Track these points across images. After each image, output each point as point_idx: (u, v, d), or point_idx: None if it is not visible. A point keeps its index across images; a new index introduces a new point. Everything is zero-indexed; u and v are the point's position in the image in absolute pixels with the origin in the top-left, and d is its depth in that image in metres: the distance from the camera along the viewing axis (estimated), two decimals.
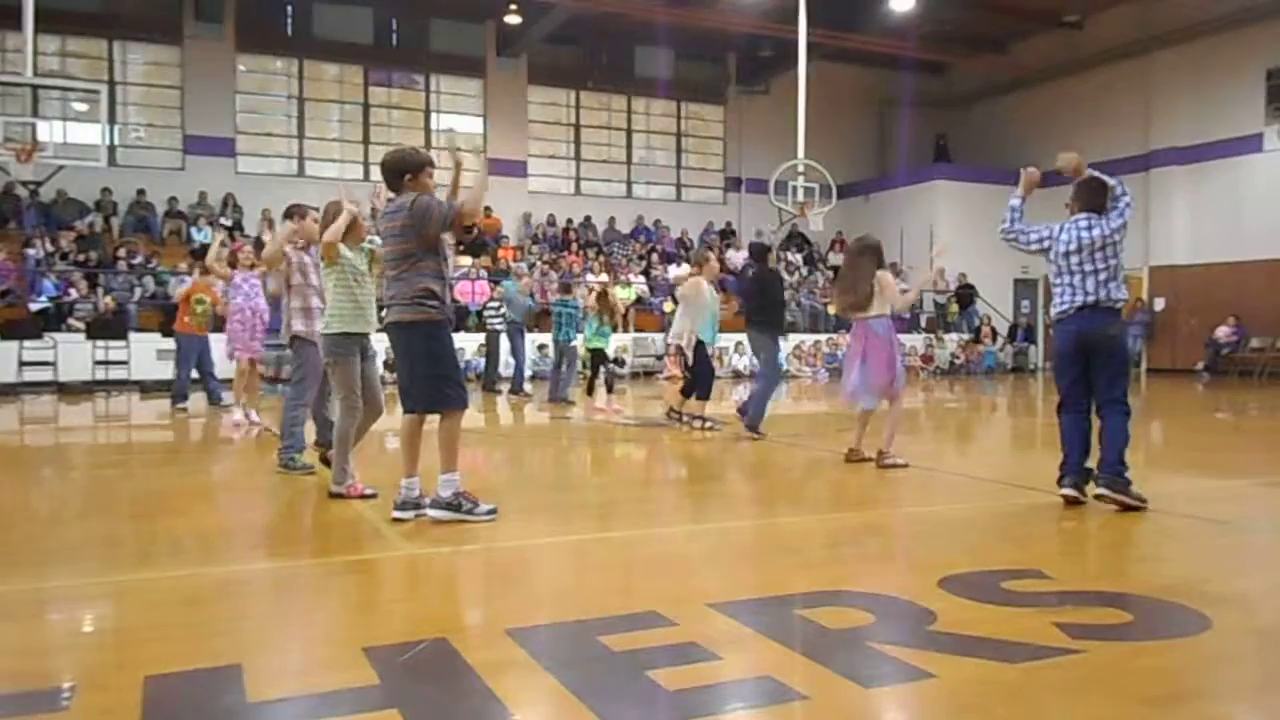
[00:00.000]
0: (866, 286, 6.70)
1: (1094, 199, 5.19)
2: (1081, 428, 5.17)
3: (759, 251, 9.10)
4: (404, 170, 4.70)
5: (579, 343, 12.69)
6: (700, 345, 9.23)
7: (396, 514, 4.67)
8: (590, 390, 12.79)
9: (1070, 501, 5.09)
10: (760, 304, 8.62)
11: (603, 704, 2.42)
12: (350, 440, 5.35)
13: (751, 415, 8.33)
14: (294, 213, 6.23)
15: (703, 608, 3.22)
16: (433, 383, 4.66)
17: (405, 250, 4.61)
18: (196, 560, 4.17)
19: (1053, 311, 5.26)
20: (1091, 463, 5.11)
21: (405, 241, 4.60)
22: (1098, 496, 4.94)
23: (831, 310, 21.08)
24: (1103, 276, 5.03)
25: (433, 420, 4.80)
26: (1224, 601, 3.43)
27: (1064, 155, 5.29)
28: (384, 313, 4.86)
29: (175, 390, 11.57)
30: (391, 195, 4.77)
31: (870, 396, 6.78)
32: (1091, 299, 5.03)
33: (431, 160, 4.85)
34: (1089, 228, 5.09)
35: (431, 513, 4.67)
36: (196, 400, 11.60)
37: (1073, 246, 5.09)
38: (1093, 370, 5.10)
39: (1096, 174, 5.26)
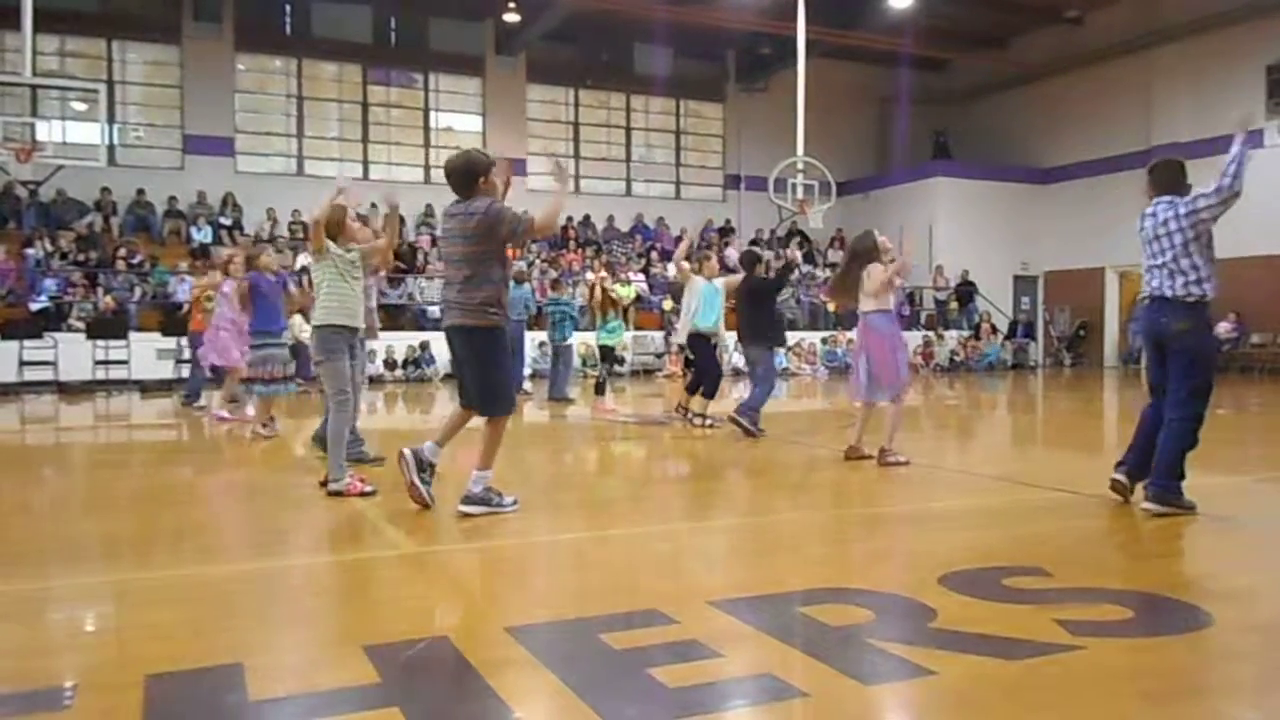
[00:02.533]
0: (853, 289, 6.77)
1: (1163, 180, 4.82)
2: (1157, 424, 4.85)
3: (749, 260, 8.92)
4: (479, 173, 4.71)
5: (579, 339, 12.68)
6: (704, 339, 9.20)
7: (404, 449, 4.80)
8: (598, 389, 12.80)
9: (1114, 485, 4.93)
10: (750, 316, 8.49)
11: (604, 702, 2.42)
12: (345, 437, 5.42)
13: (746, 416, 8.23)
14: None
15: (703, 605, 3.22)
16: (493, 388, 4.81)
17: (476, 253, 4.64)
18: (197, 559, 4.18)
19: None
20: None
21: (477, 245, 4.62)
22: (1144, 509, 4.70)
23: (831, 308, 21.11)
24: (1170, 269, 4.64)
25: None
26: (1225, 598, 3.43)
27: (1238, 114, 4.82)
28: (441, 313, 4.89)
29: (191, 388, 11.74)
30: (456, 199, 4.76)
31: (879, 390, 6.77)
32: (1158, 293, 4.71)
33: (494, 161, 4.88)
34: (1154, 214, 4.76)
35: (464, 508, 4.75)
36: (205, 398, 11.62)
37: (1148, 235, 4.76)
38: (1169, 366, 4.76)
39: (1238, 147, 4.65)
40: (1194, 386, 4.69)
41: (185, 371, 15.37)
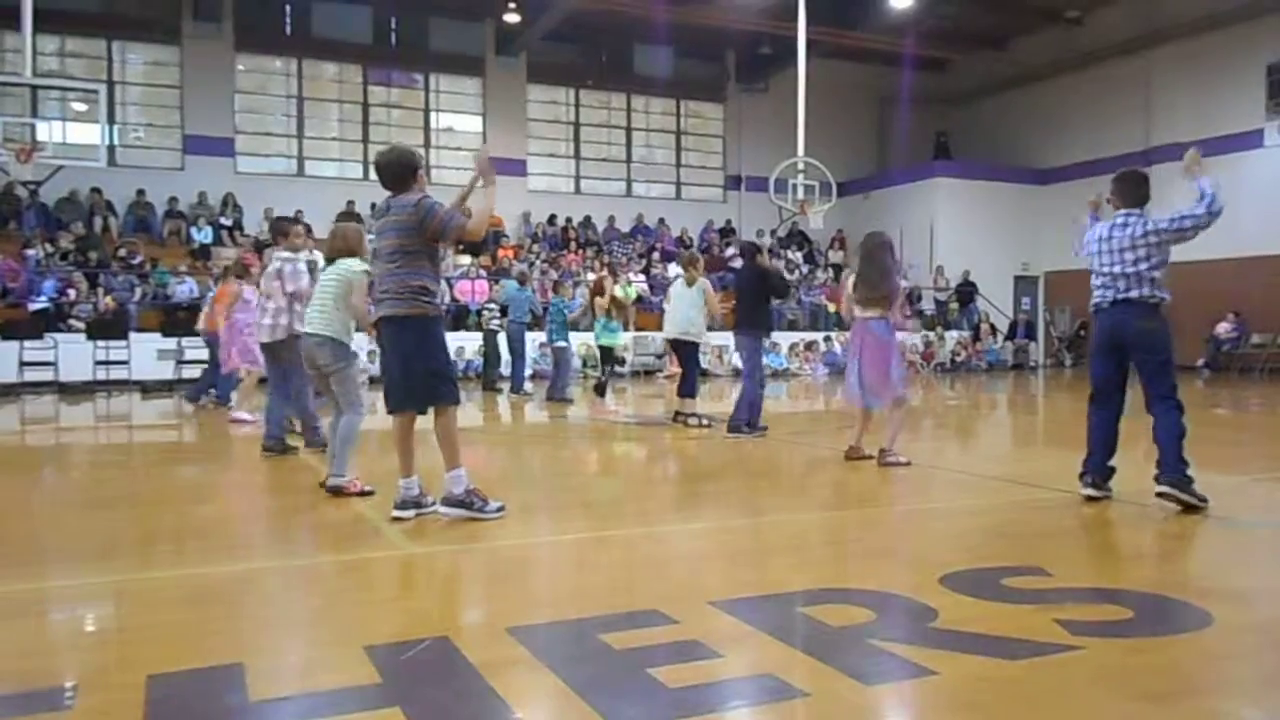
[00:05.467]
0: (889, 282, 6.67)
1: (1129, 195, 5.00)
2: (1108, 425, 5.04)
3: (748, 250, 8.91)
4: (414, 168, 4.73)
5: (579, 340, 12.69)
6: (682, 343, 9.24)
7: (396, 513, 4.67)
8: (598, 390, 12.79)
9: (1089, 500, 5.02)
10: (743, 305, 8.47)
11: (605, 702, 2.42)
12: (356, 437, 5.49)
13: (747, 416, 8.22)
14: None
15: (704, 605, 3.22)
16: (427, 379, 4.64)
17: (408, 246, 4.60)
18: (198, 559, 4.18)
19: (1090, 305, 5.11)
20: (1114, 461, 5.03)
21: (409, 238, 4.60)
22: (1160, 495, 4.75)
23: (833, 309, 21.10)
24: (1132, 277, 4.85)
25: (424, 420, 4.79)
26: (1225, 598, 3.43)
27: (1190, 154, 5.02)
28: (373, 308, 4.85)
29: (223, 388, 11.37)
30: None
31: (871, 396, 6.75)
32: (1124, 296, 4.88)
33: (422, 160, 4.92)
34: (1122, 226, 4.93)
35: (443, 510, 4.69)
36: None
37: (1104, 246, 4.96)
38: (1136, 368, 4.94)
39: (1207, 172, 4.97)
40: (1171, 378, 4.90)
41: (186, 372, 15.41)
